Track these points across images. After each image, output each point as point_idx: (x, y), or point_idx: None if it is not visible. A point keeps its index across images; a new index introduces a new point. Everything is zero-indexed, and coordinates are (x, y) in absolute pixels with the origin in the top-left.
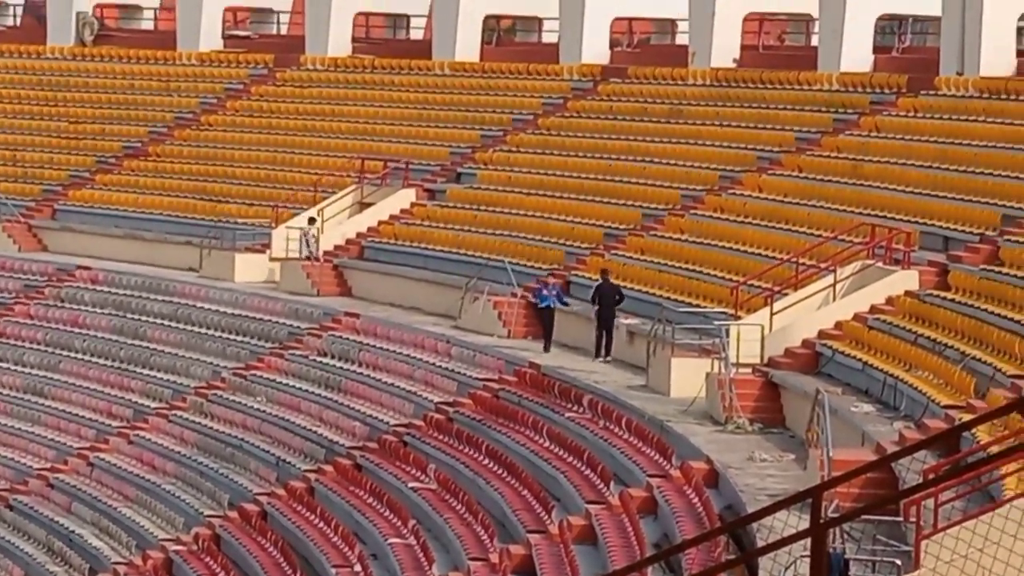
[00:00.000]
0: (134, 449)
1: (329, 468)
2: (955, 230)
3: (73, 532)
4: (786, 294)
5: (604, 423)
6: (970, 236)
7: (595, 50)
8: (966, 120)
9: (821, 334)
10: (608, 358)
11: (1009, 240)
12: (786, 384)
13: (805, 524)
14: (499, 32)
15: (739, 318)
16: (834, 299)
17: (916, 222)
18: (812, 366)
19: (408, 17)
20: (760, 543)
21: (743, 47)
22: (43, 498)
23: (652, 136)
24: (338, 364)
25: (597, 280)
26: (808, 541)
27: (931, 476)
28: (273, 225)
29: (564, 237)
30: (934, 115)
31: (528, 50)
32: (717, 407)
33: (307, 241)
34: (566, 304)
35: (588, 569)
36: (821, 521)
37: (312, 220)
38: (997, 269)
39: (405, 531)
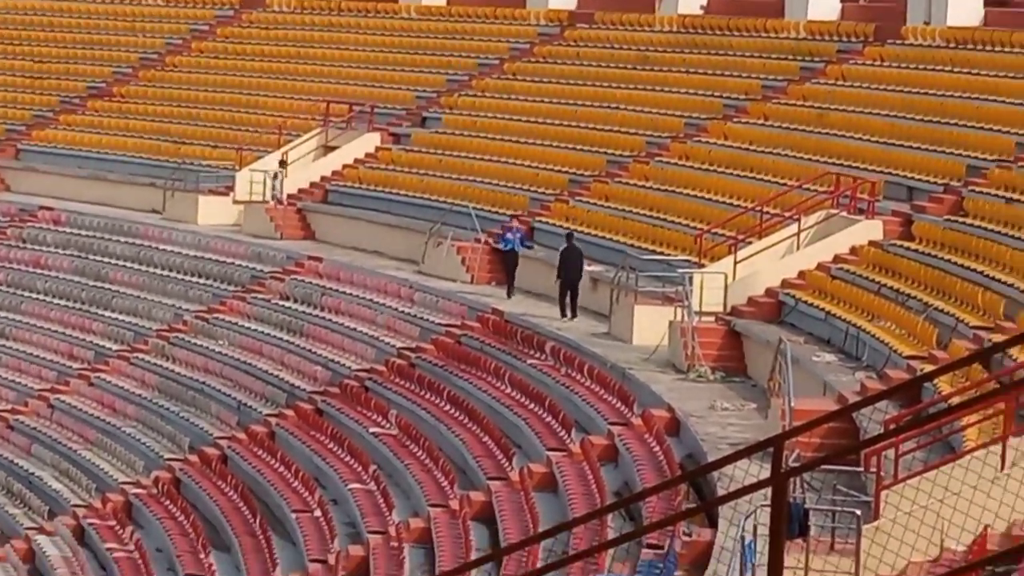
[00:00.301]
0: (95, 391)
1: (290, 412)
2: (920, 180)
3: (33, 474)
4: (750, 243)
5: (566, 370)
6: (934, 187)
7: None
8: (932, 70)
9: (784, 283)
10: (572, 318)
11: (973, 191)
12: (749, 333)
13: (766, 473)
14: None
15: (703, 266)
16: (798, 248)
17: (881, 171)
18: (775, 315)
19: None
20: (721, 492)
21: None
22: (3, 439)
23: (618, 83)
24: (300, 308)
25: (563, 243)
26: (769, 490)
27: (892, 427)
28: (237, 168)
29: (528, 183)
30: (900, 64)
31: None
32: (679, 355)
33: (275, 184)
34: (529, 247)
35: (548, 517)
36: (782, 470)
37: (283, 163)
38: (961, 220)
39: (365, 476)
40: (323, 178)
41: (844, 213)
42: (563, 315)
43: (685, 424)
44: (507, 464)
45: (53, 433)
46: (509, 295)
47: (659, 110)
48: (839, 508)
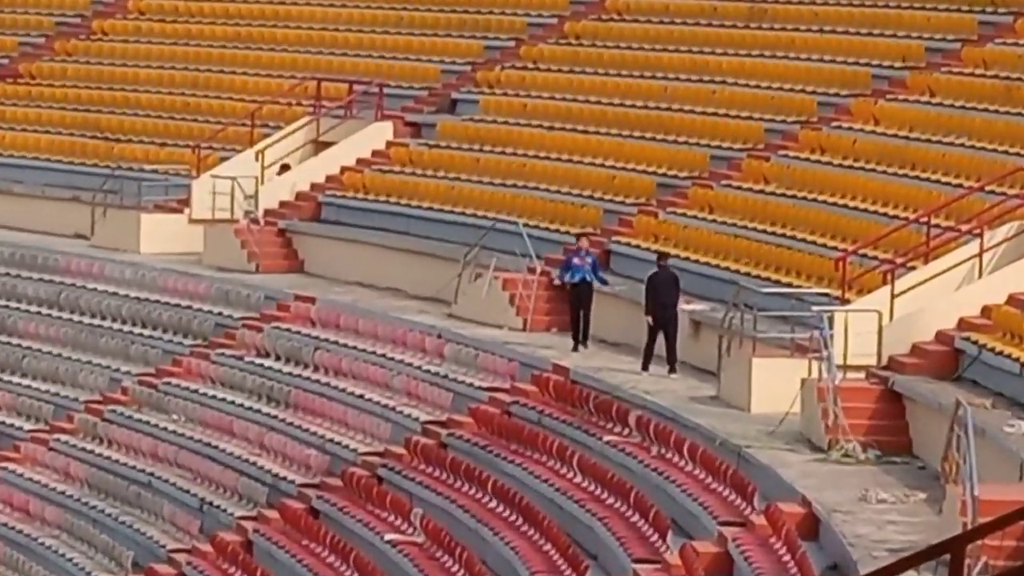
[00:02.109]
0: (1, 489)
1: (273, 514)
2: None
3: None
4: (913, 268)
5: (659, 449)
6: None
7: None
8: None
9: (963, 324)
10: (670, 373)
11: None
12: (913, 395)
13: None
14: None
15: (847, 302)
16: (980, 275)
17: None
18: (950, 369)
19: None
20: None
21: None
22: None
23: (724, 47)
24: (286, 368)
25: (652, 267)
26: None
27: None
28: (194, 173)
29: (602, 189)
30: None
31: None
32: (817, 427)
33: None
34: (605, 282)
35: None
36: None
37: (286, 167)
38: None
39: None
40: (314, 186)
41: None
42: (646, 366)
43: (827, 523)
44: None
45: None
46: (577, 346)
47: (782, 84)
48: None
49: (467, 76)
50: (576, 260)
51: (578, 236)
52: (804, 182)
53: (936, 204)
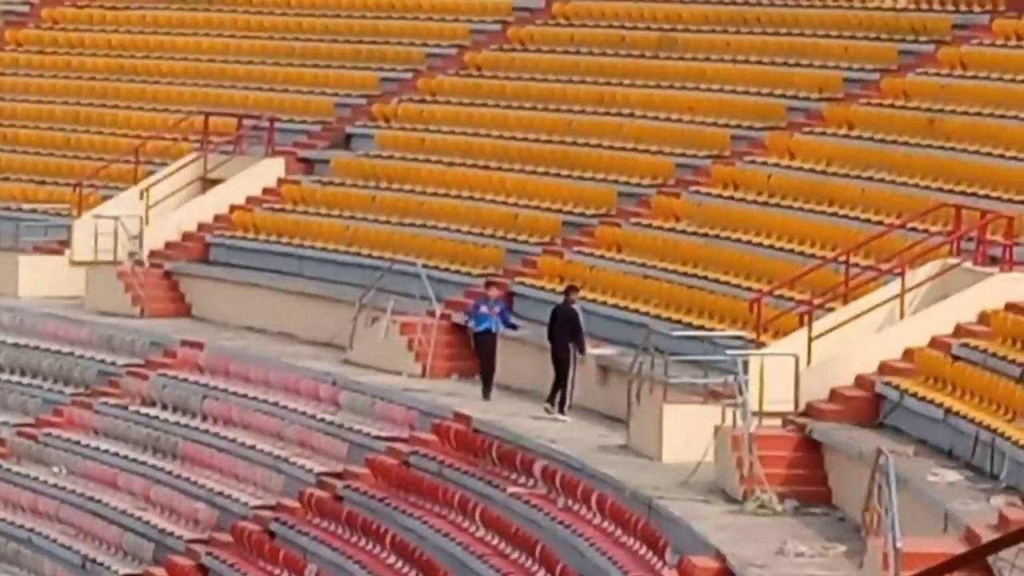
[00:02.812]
0: None
1: (160, 572)
2: None
3: None
4: (831, 309)
5: (565, 501)
6: None
7: None
8: None
9: (883, 368)
10: (558, 412)
11: None
12: (832, 442)
13: None
14: None
15: (762, 345)
16: (902, 316)
17: (1021, 202)
18: (871, 415)
19: None
20: None
21: None
22: None
23: (633, 78)
24: (172, 418)
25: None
26: None
27: None
28: (75, 212)
29: (504, 228)
30: None
31: None
32: (732, 476)
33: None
34: (514, 327)
35: None
36: None
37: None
38: None
39: None
40: (201, 226)
41: (969, 263)
42: (551, 404)
43: None
44: None
45: None
46: (486, 395)
47: (693, 117)
48: None
49: (362, 110)
50: (484, 308)
51: (487, 284)
52: (717, 220)
53: (855, 242)
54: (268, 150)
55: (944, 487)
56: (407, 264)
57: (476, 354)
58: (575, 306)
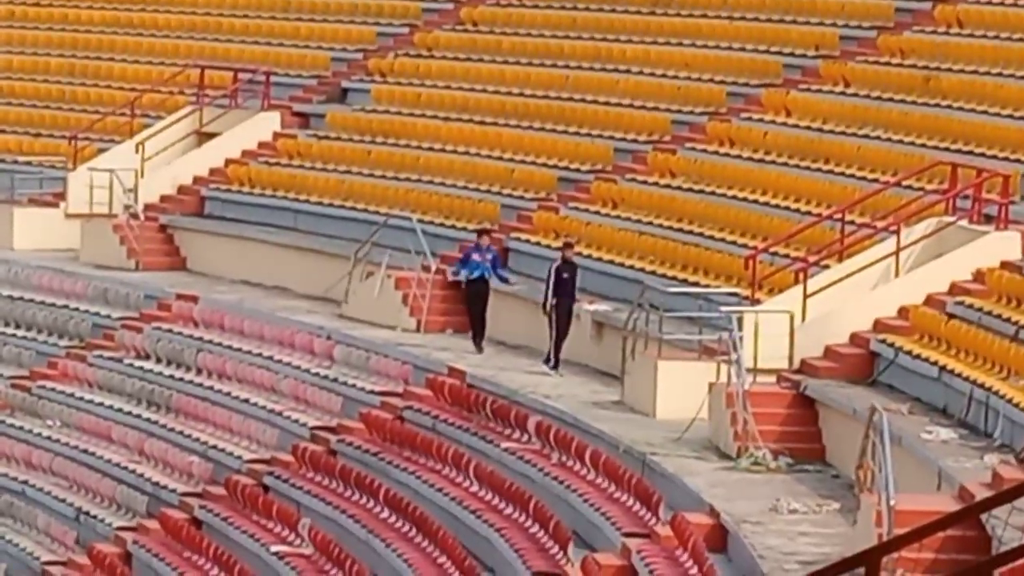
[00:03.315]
0: None
1: (154, 525)
2: None
3: None
4: (826, 267)
5: (559, 457)
6: None
7: None
8: None
9: (878, 325)
10: (552, 368)
11: None
12: (826, 399)
13: None
14: None
15: (757, 302)
16: (897, 274)
17: (1019, 160)
18: (865, 373)
19: None
20: None
21: None
22: None
23: (629, 34)
24: (167, 371)
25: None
26: None
27: None
28: (70, 165)
29: (500, 183)
30: None
31: None
32: (726, 433)
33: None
34: (507, 281)
35: None
36: None
37: None
38: None
39: None
40: (197, 179)
41: (964, 222)
42: (548, 360)
43: (735, 534)
44: None
45: None
46: (478, 347)
47: (689, 74)
48: None
49: (358, 64)
50: (476, 256)
51: (479, 233)
52: (712, 176)
53: (851, 200)
54: (264, 104)
55: (938, 445)
56: (402, 219)
57: (467, 303)
58: (571, 261)
